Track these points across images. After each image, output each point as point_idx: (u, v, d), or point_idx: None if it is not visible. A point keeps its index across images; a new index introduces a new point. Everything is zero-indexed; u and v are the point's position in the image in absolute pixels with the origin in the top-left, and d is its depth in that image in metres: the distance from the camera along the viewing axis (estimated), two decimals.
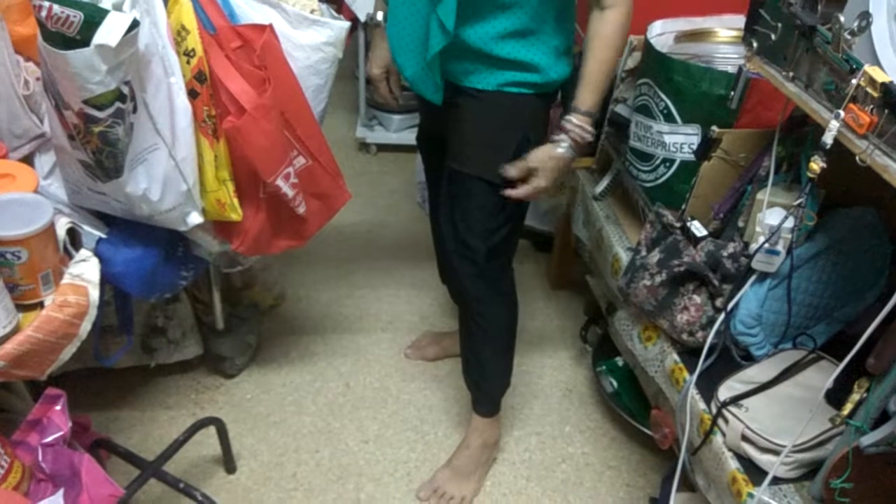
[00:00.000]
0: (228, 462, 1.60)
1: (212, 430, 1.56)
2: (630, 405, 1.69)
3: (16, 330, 0.99)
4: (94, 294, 1.07)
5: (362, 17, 2.53)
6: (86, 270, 1.08)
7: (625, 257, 1.56)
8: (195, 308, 1.77)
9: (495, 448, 1.67)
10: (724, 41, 1.50)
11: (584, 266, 1.92)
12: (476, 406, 1.62)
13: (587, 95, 1.25)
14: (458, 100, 1.34)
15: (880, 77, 0.90)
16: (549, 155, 1.28)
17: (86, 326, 1.05)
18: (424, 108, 1.58)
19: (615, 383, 1.76)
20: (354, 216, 2.43)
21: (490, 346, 1.56)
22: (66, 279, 1.06)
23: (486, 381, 1.60)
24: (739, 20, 1.23)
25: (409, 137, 2.81)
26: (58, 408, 1.05)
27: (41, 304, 1.04)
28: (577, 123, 1.25)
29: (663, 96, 1.44)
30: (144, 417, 1.71)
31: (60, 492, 1.00)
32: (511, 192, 1.31)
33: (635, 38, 1.62)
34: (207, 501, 1.36)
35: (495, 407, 1.62)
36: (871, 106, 0.91)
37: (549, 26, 1.27)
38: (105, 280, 1.30)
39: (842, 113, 0.95)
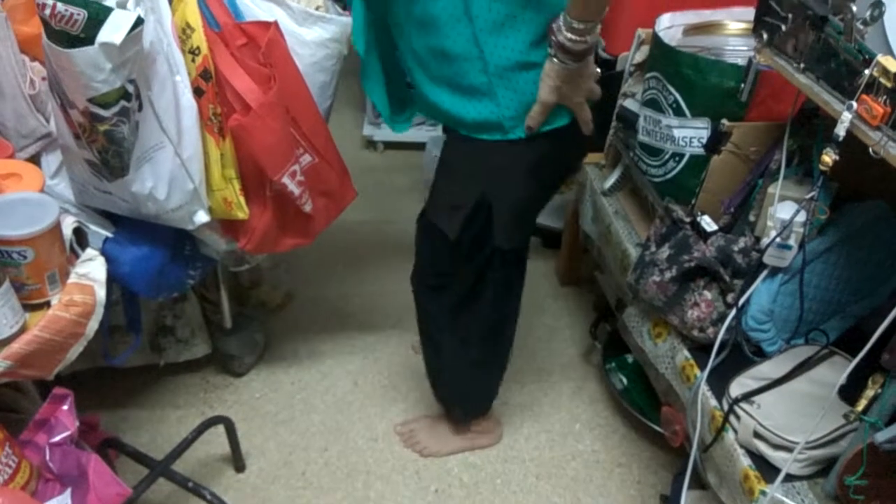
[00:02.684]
0: (237, 461, 1.60)
1: (220, 428, 1.56)
2: (640, 402, 1.68)
3: (23, 329, 0.98)
4: (101, 293, 1.06)
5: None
6: (92, 269, 1.08)
7: (634, 253, 1.54)
8: (203, 307, 1.77)
9: (483, 438, 1.70)
10: (733, 33, 1.48)
11: (593, 262, 1.91)
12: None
13: (570, 4, 1.09)
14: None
15: (893, 67, 0.88)
16: (548, 77, 1.16)
17: (92, 326, 1.04)
18: None
19: (625, 380, 1.75)
20: (362, 214, 2.42)
21: (448, 364, 1.58)
22: (72, 278, 1.06)
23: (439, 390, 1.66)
24: (749, 12, 1.21)
25: (417, 135, 2.79)
26: (65, 407, 1.05)
27: (48, 304, 1.03)
28: (556, 28, 1.11)
29: (672, 90, 1.42)
30: (153, 416, 1.71)
31: (68, 491, 1.00)
32: (529, 123, 1.20)
33: (644, 32, 1.61)
34: (216, 500, 1.36)
35: (471, 415, 1.67)
36: (885, 96, 0.90)
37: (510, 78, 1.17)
38: (112, 279, 1.30)
39: (854, 104, 0.93)
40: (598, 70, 1.22)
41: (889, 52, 0.94)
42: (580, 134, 1.25)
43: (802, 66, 1.06)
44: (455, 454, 1.68)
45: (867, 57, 0.92)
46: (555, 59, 1.13)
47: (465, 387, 1.62)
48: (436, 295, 1.48)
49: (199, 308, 1.74)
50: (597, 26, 1.11)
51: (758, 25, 1.16)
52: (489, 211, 1.29)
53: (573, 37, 1.09)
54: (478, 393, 1.64)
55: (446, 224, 1.33)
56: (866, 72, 0.91)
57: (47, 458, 1.02)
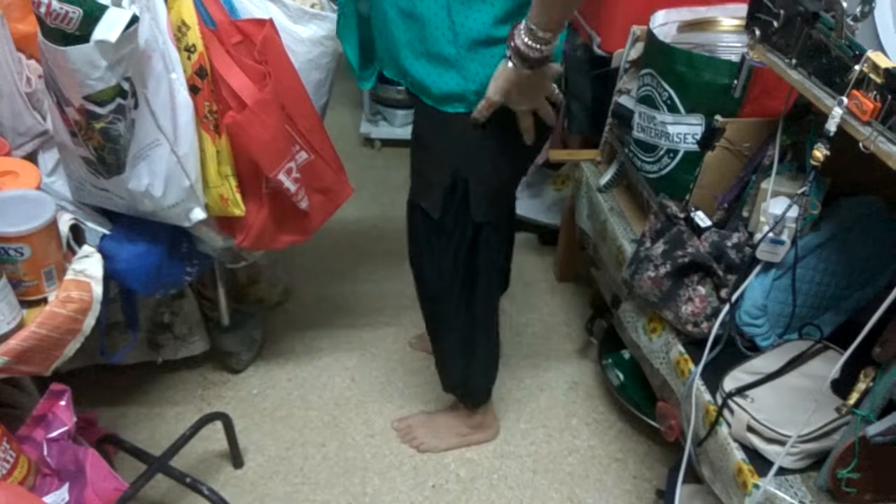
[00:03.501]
0: (235, 457, 1.60)
1: (219, 425, 1.57)
2: (637, 397, 1.69)
3: (20, 326, 0.99)
4: (98, 290, 1.07)
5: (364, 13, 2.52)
6: (89, 266, 1.09)
7: (629, 249, 1.55)
8: (201, 304, 1.78)
9: (480, 433, 1.70)
10: (727, 30, 1.48)
11: (589, 259, 1.91)
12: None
13: (532, 7, 1.07)
14: (414, 105, 1.30)
15: (884, 63, 0.89)
16: (501, 76, 1.15)
17: (89, 322, 1.05)
18: None
19: (621, 376, 1.75)
20: (359, 211, 2.44)
21: (446, 345, 1.58)
22: (69, 275, 1.07)
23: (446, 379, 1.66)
24: (743, 9, 1.21)
25: None
26: (62, 403, 1.05)
27: (45, 300, 1.04)
28: (516, 31, 1.10)
29: (666, 86, 1.43)
30: (152, 413, 1.72)
31: (65, 486, 1.01)
32: (475, 115, 1.20)
33: (638, 29, 1.62)
34: (214, 496, 1.36)
35: (469, 404, 1.67)
36: (875, 92, 0.90)
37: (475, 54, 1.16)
38: (110, 276, 1.31)
39: (845, 100, 0.94)
40: (560, 66, 1.21)
41: (880, 47, 0.94)
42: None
43: (794, 61, 1.06)
44: (452, 450, 1.68)
45: (857, 53, 0.93)
46: (509, 63, 1.12)
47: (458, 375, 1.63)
48: (436, 275, 1.47)
49: (196, 305, 1.75)
50: (557, 36, 1.10)
51: (750, 22, 1.16)
52: (466, 185, 1.29)
53: (531, 43, 1.08)
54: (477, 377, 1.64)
55: (429, 203, 1.33)
56: (857, 67, 0.92)
57: (45, 453, 1.03)
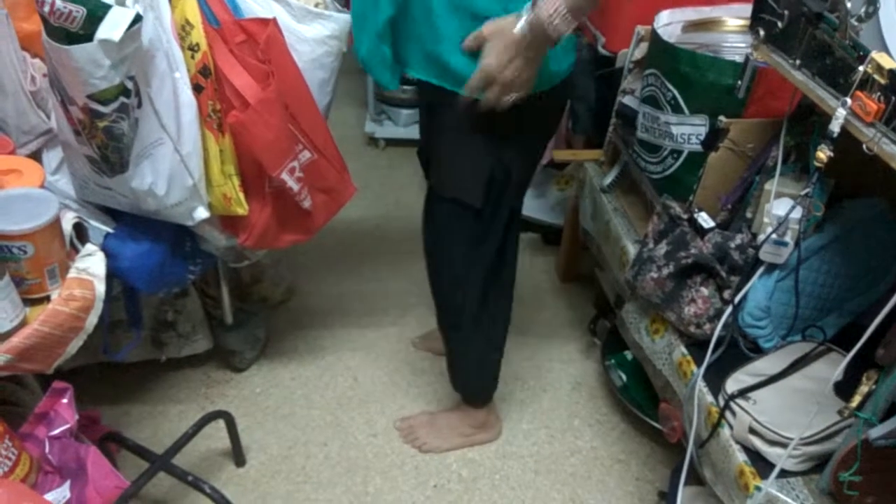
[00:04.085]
0: (237, 455, 1.61)
1: (221, 423, 1.57)
2: (639, 399, 1.69)
3: (23, 324, 1.00)
4: (100, 288, 1.08)
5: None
6: (91, 264, 1.09)
7: (632, 250, 1.55)
8: (204, 303, 1.78)
9: (482, 433, 1.70)
10: (731, 30, 1.48)
11: (592, 259, 1.91)
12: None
13: None
14: (435, 102, 1.26)
15: (888, 64, 0.88)
16: (501, 26, 1.10)
17: (92, 320, 1.06)
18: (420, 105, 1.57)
19: (624, 377, 1.75)
20: (363, 211, 2.44)
21: (464, 340, 1.58)
22: (72, 273, 1.07)
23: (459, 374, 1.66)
24: (747, 9, 1.20)
25: (418, 132, 2.80)
26: (65, 401, 1.06)
27: (48, 298, 1.05)
28: (548, 3, 1.04)
29: (670, 87, 1.42)
30: (155, 411, 1.72)
31: (67, 483, 1.01)
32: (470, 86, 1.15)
33: (643, 29, 1.61)
34: (216, 494, 1.36)
35: (475, 402, 1.68)
36: (879, 93, 0.90)
37: None
38: (113, 275, 1.31)
39: (848, 101, 0.93)
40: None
41: (884, 48, 0.94)
42: (559, 98, 1.29)
43: (798, 62, 1.06)
44: (454, 450, 1.68)
45: (861, 53, 0.92)
46: (521, 32, 1.07)
47: (471, 374, 1.65)
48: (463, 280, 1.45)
49: (200, 304, 1.75)
50: (575, 22, 1.06)
51: (755, 22, 1.16)
52: (506, 172, 1.29)
53: (560, 18, 1.03)
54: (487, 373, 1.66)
55: (468, 193, 1.30)
56: (860, 68, 0.91)
57: (47, 450, 1.04)
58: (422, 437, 1.69)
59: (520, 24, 1.07)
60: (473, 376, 1.65)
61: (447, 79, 1.21)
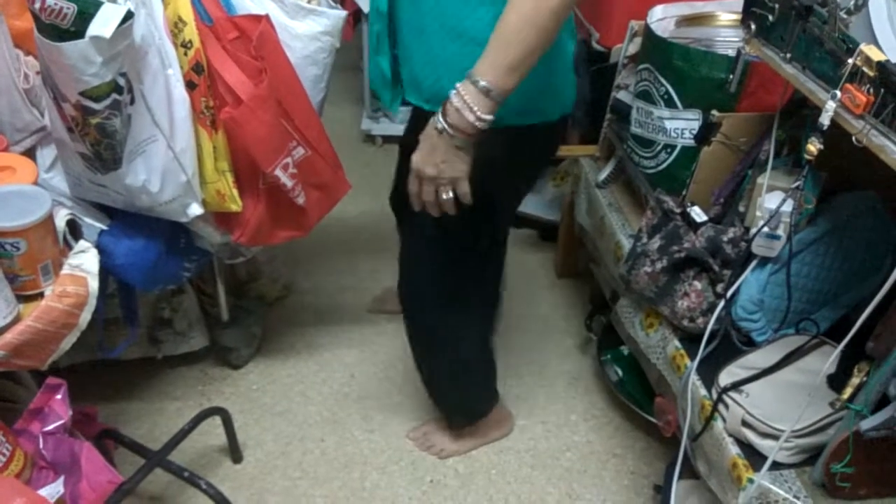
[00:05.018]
0: (234, 451, 1.61)
1: (218, 420, 1.58)
2: (635, 393, 1.69)
3: (16, 320, 1.00)
4: (94, 284, 1.08)
5: (366, 9, 2.52)
6: (85, 261, 1.09)
7: (627, 245, 1.55)
8: (201, 300, 1.78)
9: (497, 431, 1.69)
10: (724, 24, 1.48)
11: (588, 254, 1.91)
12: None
13: (480, 60, 0.96)
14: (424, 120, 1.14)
15: (876, 56, 0.88)
16: (427, 127, 1.03)
17: (85, 317, 1.06)
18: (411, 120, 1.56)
19: (620, 372, 1.75)
20: (360, 207, 2.44)
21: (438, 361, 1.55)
22: (65, 270, 1.07)
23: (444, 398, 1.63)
24: (740, 3, 1.21)
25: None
26: (58, 397, 1.06)
27: (41, 295, 1.05)
28: (457, 91, 0.97)
29: (664, 81, 1.42)
30: (152, 408, 1.73)
31: (61, 479, 1.01)
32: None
33: (637, 24, 1.61)
34: (212, 490, 1.37)
35: (475, 418, 1.65)
36: (868, 85, 0.90)
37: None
38: (108, 272, 1.32)
39: (838, 93, 0.93)
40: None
41: (873, 41, 0.94)
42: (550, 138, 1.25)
43: (789, 55, 1.06)
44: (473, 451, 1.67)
45: (850, 46, 0.92)
46: (436, 124, 0.99)
47: (465, 391, 1.62)
48: (438, 300, 1.42)
49: (196, 301, 1.76)
50: (503, 98, 0.96)
51: (746, 16, 1.16)
52: (490, 198, 1.20)
53: (475, 107, 0.95)
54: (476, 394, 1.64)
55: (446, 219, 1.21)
56: (850, 61, 0.92)
57: (41, 446, 1.04)
58: (438, 443, 1.66)
59: (436, 121, 1.01)
60: (454, 397, 1.62)
61: (434, 103, 1.11)
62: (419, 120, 1.11)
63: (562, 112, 1.22)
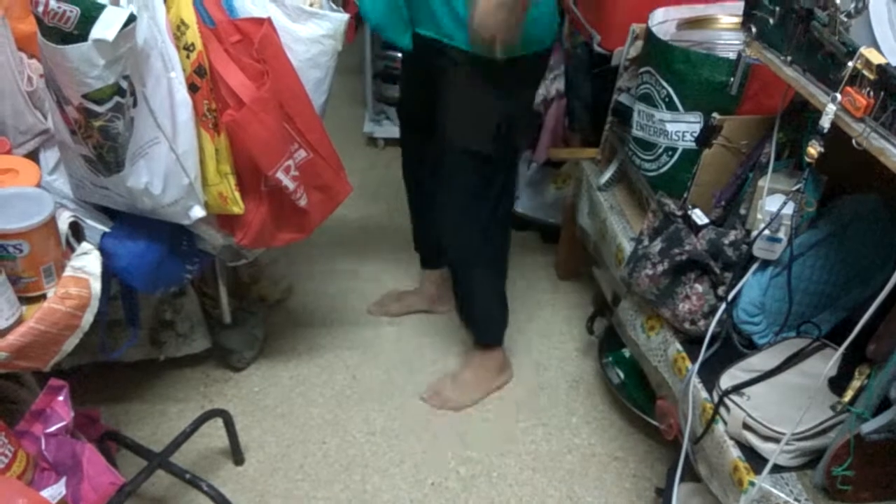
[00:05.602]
0: (236, 454, 1.61)
1: (220, 422, 1.58)
2: (637, 396, 1.69)
3: (19, 321, 1.00)
4: (96, 286, 1.08)
5: None
6: (87, 263, 1.10)
7: (628, 247, 1.55)
8: (203, 302, 1.79)
9: (502, 375, 1.82)
10: (726, 27, 1.48)
11: (590, 257, 1.91)
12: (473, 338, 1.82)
13: None
14: (442, 62, 1.41)
15: (876, 59, 0.88)
16: None
17: (88, 318, 1.06)
18: (407, 74, 1.73)
19: (622, 374, 1.75)
20: (362, 210, 2.44)
21: (479, 278, 1.72)
22: (68, 272, 1.08)
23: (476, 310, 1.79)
24: (740, 6, 1.21)
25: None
26: (61, 398, 1.07)
27: (44, 297, 1.05)
28: None
29: (665, 84, 1.43)
30: (154, 410, 1.73)
31: (63, 480, 1.02)
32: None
33: (638, 27, 1.62)
34: (213, 492, 1.37)
35: (492, 339, 1.79)
36: (868, 88, 0.90)
37: None
38: (110, 274, 1.32)
39: (839, 96, 0.94)
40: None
41: (873, 44, 0.94)
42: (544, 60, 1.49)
43: (789, 58, 1.06)
44: (485, 397, 1.78)
45: (851, 49, 0.92)
46: None
47: (491, 309, 1.78)
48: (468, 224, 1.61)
49: (198, 303, 1.76)
50: None
51: (747, 19, 1.16)
52: (511, 118, 1.46)
53: None
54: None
55: (480, 142, 1.45)
56: (850, 64, 0.92)
57: (43, 447, 1.04)
58: (451, 397, 1.76)
59: None
60: (489, 309, 1.77)
61: (450, 33, 1.36)
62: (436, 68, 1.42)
63: (551, 40, 1.46)
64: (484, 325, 1.80)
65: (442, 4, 1.34)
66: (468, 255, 1.67)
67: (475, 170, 1.51)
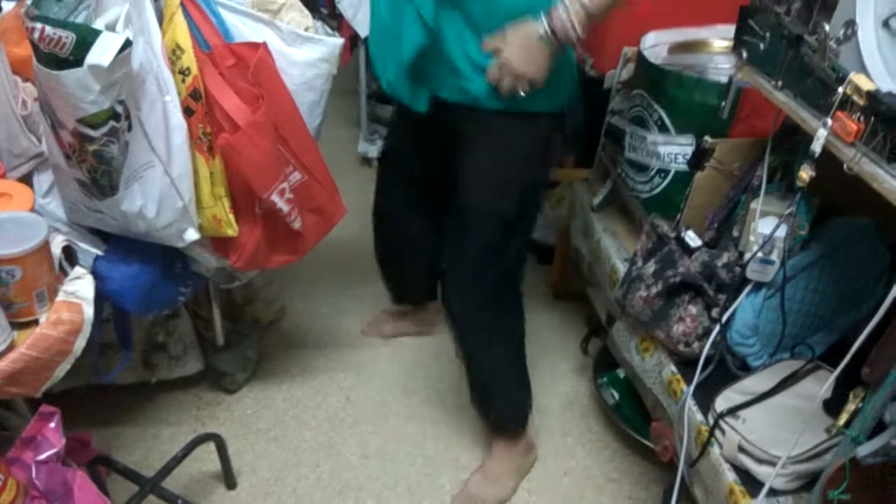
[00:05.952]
0: (228, 478, 1.60)
1: (212, 446, 1.56)
2: (632, 417, 1.68)
3: (10, 348, 0.99)
4: (89, 311, 1.07)
5: (363, 34, 2.55)
6: (80, 288, 1.09)
7: (622, 269, 1.55)
8: (195, 324, 1.78)
9: (530, 454, 1.68)
10: (717, 51, 1.50)
11: (584, 277, 1.91)
12: (492, 426, 1.64)
13: None
14: (466, 127, 1.36)
15: (866, 85, 0.90)
16: (522, 27, 1.20)
17: (80, 343, 1.05)
18: (404, 123, 1.61)
19: (617, 395, 1.75)
20: (356, 231, 2.43)
21: (503, 362, 1.59)
22: (60, 296, 1.07)
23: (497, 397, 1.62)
24: (732, 31, 1.23)
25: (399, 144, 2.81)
26: (52, 425, 1.05)
27: (36, 322, 1.04)
28: (566, 5, 1.15)
29: (657, 107, 1.44)
30: (146, 434, 1.72)
31: None
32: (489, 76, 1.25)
33: (630, 50, 1.63)
34: None
35: (517, 423, 1.63)
36: (859, 114, 0.91)
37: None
38: (103, 297, 1.31)
39: (829, 121, 0.95)
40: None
41: (863, 70, 0.95)
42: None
43: (780, 83, 1.08)
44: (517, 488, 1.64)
45: (841, 75, 0.94)
46: (539, 29, 1.17)
47: (512, 389, 1.64)
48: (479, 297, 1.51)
49: (191, 325, 1.75)
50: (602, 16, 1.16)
51: (738, 44, 1.18)
52: (535, 179, 1.43)
53: (576, 19, 1.14)
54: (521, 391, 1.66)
55: (504, 205, 1.39)
56: (840, 89, 0.93)
57: (34, 475, 1.03)
58: (487, 497, 1.60)
59: (538, 25, 1.17)
60: (509, 392, 1.62)
61: (472, 95, 1.30)
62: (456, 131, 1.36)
63: (570, 98, 1.40)
64: (507, 410, 1.63)
65: (465, 61, 1.27)
66: (478, 324, 1.54)
67: (494, 230, 1.43)
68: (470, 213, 1.43)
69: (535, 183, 1.44)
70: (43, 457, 1.03)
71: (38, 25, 0.98)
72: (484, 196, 1.40)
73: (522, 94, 1.23)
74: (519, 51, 1.20)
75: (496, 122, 1.32)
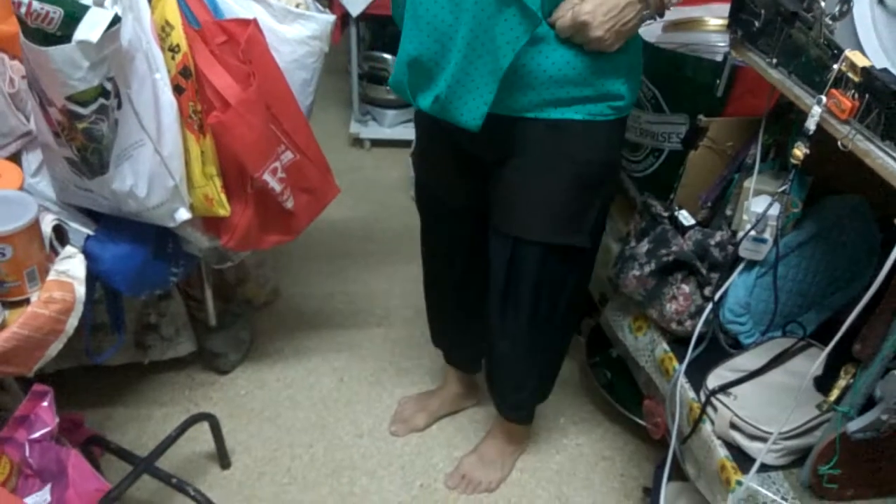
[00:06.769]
0: (222, 457, 1.60)
1: (206, 426, 1.57)
2: (624, 396, 1.69)
3: (2, 327, 0.99)
4: (80, 290, 1.07)
5: (354, 13, 2.53)
6: (71, 267, 1.08)
7: (615, 248, 1.56)
8: (188, 305, 1.77)
9: (525, 441, 1.68)
10: (712, 30, 1.49)
11: None
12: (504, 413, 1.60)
13: None
14: (519, 143, 1.17)
15: (861, 61, 0.89)
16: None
17: (72, 322, 1.05)
18: (434, 151, 1.36)
19: (609, 374, 1.76)
20: (348, 211, 2.43)
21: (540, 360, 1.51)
22: (52, 276, 1.07)
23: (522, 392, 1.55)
24: (726, 8, 1.22)
25: (403, 132, 2.81)
26: (45, 404, 1.05)
27: (27, 301, 1.04)
28: None
29: (651, 86, 1.43)
30: (139, 414, 1.72)
31: (48, 487, 1.00)
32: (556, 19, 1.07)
33: None
34: (200, 496, 1.36)
35: (529, 418, 1.62)
36: (853, 91, 0.91)
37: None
38: (94, 277, 1.31)
39: (824, 98, 0.94)
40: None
41: (858, 47, 0.95)
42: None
43: (775, 61, 1.07)
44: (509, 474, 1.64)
45: (835, 52, 0.93)
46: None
47: (546, 387, 1.62)
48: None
49: (183, 306, 1.75)
50: None
51: (733, 21, 1.17)
52: (607, 197, 1.29)
53: None
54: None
55: (579, 235, 1.25)
56: (835, 66, 0.93)
57: (27, 454, 1.03)
58: (481, 478, 1.59)
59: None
60: (544, 388, 1.61)
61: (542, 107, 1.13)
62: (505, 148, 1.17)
63: (633, 99, 1.24)
64: (528, 403, 1.58)
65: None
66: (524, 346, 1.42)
67: (567, 270, 1.30)
68: (524, 245, 1.25)
69: (609, 194, 1.30)
70: (36, 435, 1.04)
71: (25, 0, 0.97)
72: (543, 221, 1.23)
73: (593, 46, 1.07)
74: (605, 14, 1.04)
75: (560, 135, 1.15)
